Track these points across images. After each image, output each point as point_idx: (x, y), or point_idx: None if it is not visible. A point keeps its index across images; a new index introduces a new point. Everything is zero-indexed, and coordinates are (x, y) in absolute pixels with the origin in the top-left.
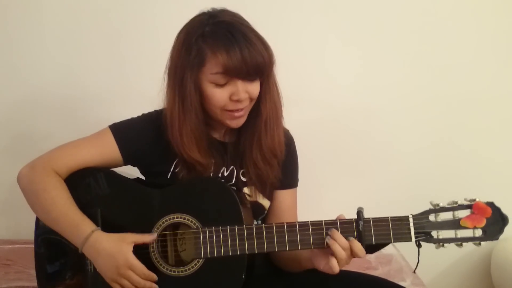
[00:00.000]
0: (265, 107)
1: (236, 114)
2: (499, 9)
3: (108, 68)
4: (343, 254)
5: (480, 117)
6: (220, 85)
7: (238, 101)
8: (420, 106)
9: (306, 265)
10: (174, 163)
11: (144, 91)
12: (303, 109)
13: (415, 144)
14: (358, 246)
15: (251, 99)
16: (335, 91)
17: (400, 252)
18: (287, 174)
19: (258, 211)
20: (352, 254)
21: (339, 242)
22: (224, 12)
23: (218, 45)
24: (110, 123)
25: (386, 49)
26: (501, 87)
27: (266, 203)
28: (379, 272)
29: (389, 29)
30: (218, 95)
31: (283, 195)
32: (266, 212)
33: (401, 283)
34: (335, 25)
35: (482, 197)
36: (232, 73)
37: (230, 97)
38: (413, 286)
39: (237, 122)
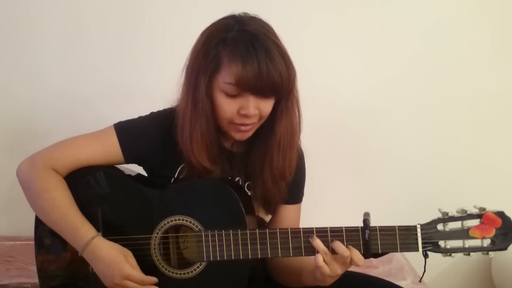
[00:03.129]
0: (280, 127)
1: (243, 128)
2: (496, 7)
3: (110, 65)
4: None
5: (484, 115)
6: (231, 96)
7: (246, 116)
8: (423, 105)
9: (307, 278)
10: (179, 169)
11: (147, 89)
12: (305, 109)
13: (418, 143)
14: (357, 255)
15: (261, 116)
16: (337, 90)
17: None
18: (292, 190)
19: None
20: (351, 262)
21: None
22: (253, 20)
23: (236, 55)
24: (112, 120)
25: (388, 48)
26: (504, 85)
27: (267, 218)
28: (379, 271)
29: (390, 28)
30: (227, 106)
31: (286, 209)
32: (266, 224)
33: (402, 282)
34: (335, 24)
35: (485, 196)
36: (244, 86)
37: (238, 110)
38: (413, 285)
39: (242, 136)
